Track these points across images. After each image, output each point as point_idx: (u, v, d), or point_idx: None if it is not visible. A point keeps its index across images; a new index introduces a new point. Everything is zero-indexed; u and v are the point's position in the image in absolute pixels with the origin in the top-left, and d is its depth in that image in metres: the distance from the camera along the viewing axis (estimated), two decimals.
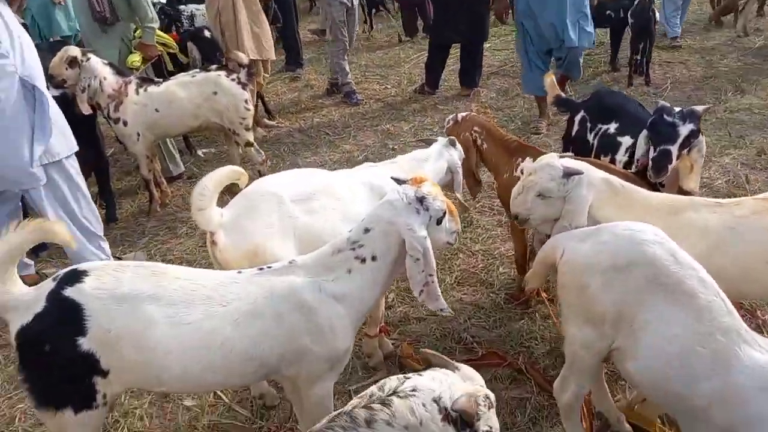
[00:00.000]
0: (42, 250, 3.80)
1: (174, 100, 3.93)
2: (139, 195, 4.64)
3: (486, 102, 6.15)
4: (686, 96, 5.82)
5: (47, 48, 4.43)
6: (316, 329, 1.77)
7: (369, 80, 7.13)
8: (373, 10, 9.26)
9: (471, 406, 1.37)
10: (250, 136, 4.19)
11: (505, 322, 3.03)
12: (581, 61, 5.32)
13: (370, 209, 1.89)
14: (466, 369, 1.55)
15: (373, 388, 1.42)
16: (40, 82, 2.85)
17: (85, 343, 1.63)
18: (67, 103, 3.66)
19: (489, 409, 1.42)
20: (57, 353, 1.63)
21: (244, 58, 4.18)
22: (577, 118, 3.18)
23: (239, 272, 1.80)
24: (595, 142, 3.01)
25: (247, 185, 2.26)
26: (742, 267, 2.06)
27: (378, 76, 7.24)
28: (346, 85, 6.26)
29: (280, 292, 1.75)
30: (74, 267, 1.70)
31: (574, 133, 3.14)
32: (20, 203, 3.25)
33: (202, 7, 5.62)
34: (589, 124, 3.09)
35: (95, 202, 3.50)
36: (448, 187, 2.82)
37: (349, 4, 5.82)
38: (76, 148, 3.06)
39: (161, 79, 4.18)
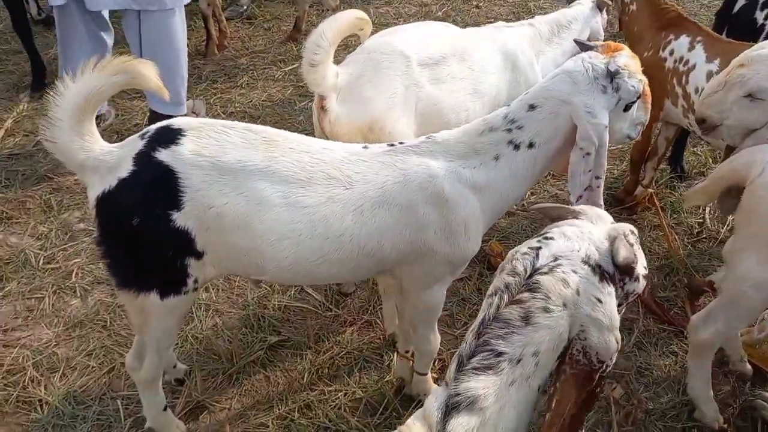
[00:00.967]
0: None
1: None
2: (195, 32, 4.18)
3: None
4: None
5: None
6: (448, 227, 1.45)
7: None
8: None
9: (630, 254, 1.17)
10: None
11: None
12: None
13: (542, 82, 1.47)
14: (589, 209, 1.30)
15: (505, 277, 1.17)
16: None
17: (179, 218, 1.32)
18: None
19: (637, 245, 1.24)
20: (145, 228, 1.33)
21: None
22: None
23: (365, 147, 1.44)
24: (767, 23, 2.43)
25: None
26: None
27: None
28: None
29: (414, 178, 1.40)
30: (167, 123, 1.35)
31: (737, 8, 2.54)
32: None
33: None
34: None
35: None
36: None
37: None
38: None
39: None
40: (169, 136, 1.32)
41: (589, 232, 1.21)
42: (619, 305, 1.19)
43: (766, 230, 1.55)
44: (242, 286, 2.35)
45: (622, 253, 1.16)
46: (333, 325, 2.19)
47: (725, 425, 1.88)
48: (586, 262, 1.16)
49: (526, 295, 1.12)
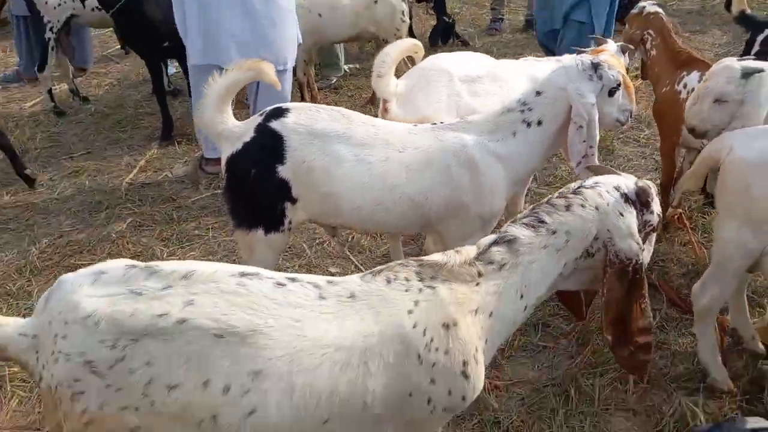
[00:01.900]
0: None
1: (337, 6, 4.16)
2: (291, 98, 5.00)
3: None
4: None
5: None
6: (478, 187, 1.92)
7: None
8: None
9: (648, 187, 1.55)
10: None
11: None
12: None
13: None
14: (626, 174, 1.65)
15: (560, 191, 1.56)
16: None
17: (282, 170, 1.89)
18: None
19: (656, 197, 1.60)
20: (259, 178, 1.90)
21: None
22: (759, 38, 3.01)
23: (415, 125, 1.98)
24: None
25: None
26: None
27: None
28: None
29: (450, 147, 1.90)
30: (279, 105, 1.96)
31: (753, 54, 2.97)
32: None
33: None
34: None
35: None
36: None
37: None
38: None
39: None
40: (279, 112, 1.91)
41: (623, 178, 1.60)
42: (639, 231, 1.53)
43: (737, 200, 1.91)
44: None
45: (641, 183, 1.55)
46: None
47: (735, 389, 2.13)
48: (617, 189, 1.52)
49: (571, 195, 1.50)
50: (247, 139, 1.91)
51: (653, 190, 1.59)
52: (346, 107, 4.99)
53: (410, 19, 4.91)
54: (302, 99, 4.68)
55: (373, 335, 1.24)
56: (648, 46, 3.03)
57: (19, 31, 5.41)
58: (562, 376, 2.27)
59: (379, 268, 1.39)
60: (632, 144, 4.10)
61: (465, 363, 1.32)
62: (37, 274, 2.96)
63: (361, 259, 3.00)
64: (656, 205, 1.59)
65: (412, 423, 1.33)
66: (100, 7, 4.09)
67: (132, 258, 1.49)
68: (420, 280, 1.33)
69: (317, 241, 3.14)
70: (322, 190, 1.89)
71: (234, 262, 2.83)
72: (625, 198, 1.52)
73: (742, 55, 3.18)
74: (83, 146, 4.32)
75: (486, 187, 1.92)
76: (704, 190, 3.30)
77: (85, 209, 3.53)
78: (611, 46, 2.78)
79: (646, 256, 1.56)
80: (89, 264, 2.89)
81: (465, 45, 6.02)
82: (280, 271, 1.40)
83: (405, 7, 4.22)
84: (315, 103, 4.75)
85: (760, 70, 2.08)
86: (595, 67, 1.85)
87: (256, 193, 1.92)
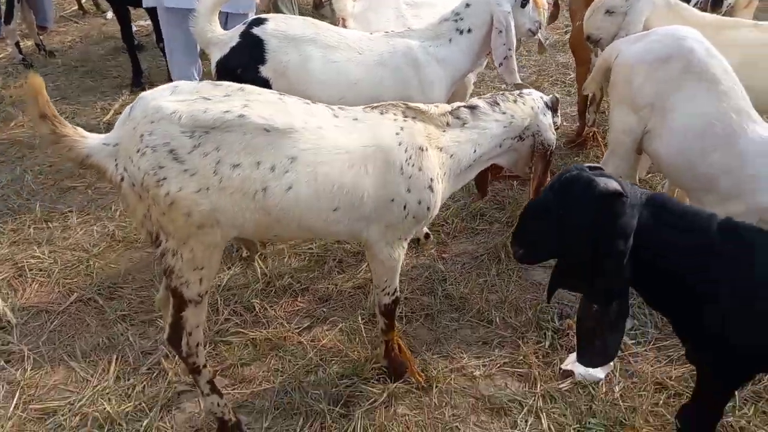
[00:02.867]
0: None
1: None
2: None
3: None
4: None
5: None
6: (421, 83, 2.40)
7: None
8: None
9: (557, 99, 2.11)
10: None
11: (558, 159, 3.56)
12: None
13: None
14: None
15: (506, 93, 2.06)
16: None
17: (263, 70, 2.31)
18: None
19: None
20: (244, 76, 2.31)
21: None
22: None
23: (371, 33, 2.43)
24: None
25: None
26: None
27: None
28: None
29: (399, 50, 2.37)
30: (258, 16, 2.37)
31: None
32: None
33: None
34: None
35: None
36: None
37: None
38: None
39: None
40: (259, 21, 2.33)
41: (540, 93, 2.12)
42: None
43: (623, 92, 2.44)
44: None
45: (555, 97, 2.08)
46: None
47: None
48: (542, 98, 2.05)
49: (516, 95, 2.02)
50: (234, 44, 2.32)
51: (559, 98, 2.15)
52: None
53: None
54: None
55: (371, 147, 1.70)
56: None
57: None
58: (495, 246, 2.80)
59: (375, 104, 1.84)
60: (560, 85, 4.67)
61: (431, 180, 1.80)
62: (35, 195, 3.30)
63: None
64: (559, 113, 2.16)
65: (390, 226, 1.80)
66: None
67: None
68: (405, 117, 1.80)
69: None
70: (297, 87, 2.32)
71: None
72: (546, 104, 2.06)
73: None
74: (57, 93, 4.58)
75: (427, 83, 2.40)
76: None
77: None
78: None
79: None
80: (83, 185, 3.25)
81: None
82: None
83: None
84: None
85: None
86: None
87: None
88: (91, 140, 1.58)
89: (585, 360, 1.55)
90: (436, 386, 2.10)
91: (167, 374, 2.16)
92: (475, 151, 1.92)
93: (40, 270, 2.69)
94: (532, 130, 2.02)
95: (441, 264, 2.72)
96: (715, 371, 1.51)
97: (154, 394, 2.10)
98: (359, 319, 2.40)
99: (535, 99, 2.03)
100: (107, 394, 2.09)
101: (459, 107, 1.91)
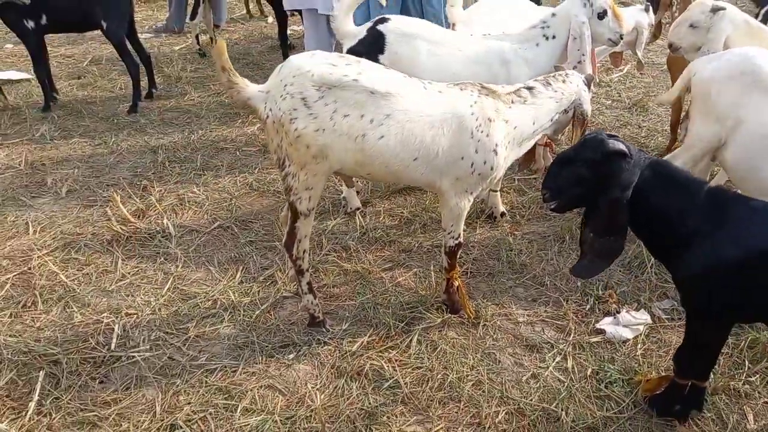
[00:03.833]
0: None
1: None
2: None
3: None
4: None
5: None
6: (510, 80, 2.86)
7: None
8: None
9: (591, 78, 2.53)
10: None
11: None
12: None
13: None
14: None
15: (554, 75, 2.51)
16: None
17: (382, 58, 2.90)
18: None
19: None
20: None
21: None
22: (764, 10, 3.77)
23: (472, 35, 2.95)
24: None
25: None
26: None
27: None
28: None
29: (493, 50, 2.86)
30: (384, 15, 2.98)
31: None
32: None
33: None
34: None
35: None
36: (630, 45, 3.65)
37: None
38: None
39: None
40: (383, 20, 2.94)
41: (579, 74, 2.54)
42: None
43: (701, 105, 2.73)
44: None
45: (589, 77, 2.50)
46: None
47: None
48: (580, 77, 2.46)
49: (563, 76, 2.45)
50: (361, 36, 2.94)
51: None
52: None
53: None
54: None
55: (449, 113, 2.20)
56: (673, 9, 3.85)
57: None
58: (561, 229, 3.18)
59: (456, 82, 2.35)
60: (665, 107, 4.85)
61: (496, 145, 2.28)
62: (197, 151, 4.15)
63: None
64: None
65: (459, 179, 2.29)
66: None
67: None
68: (479, 94, 2.29)
69: None
70: (406, 73, 2.88)
71: None
72: (584, 82, 2.48)
73: None
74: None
75: (514, 79, 2.84)
76: None
77: (227, 116, 4.72)
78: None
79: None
80: (233, 147, 4.01)
81: None
82: None
83: None
84: None
85: (724, 9, 2.92)
86: None
87: None
88: (252, 88, 2.23)
89: (574, 269, 1.95)
90: (484, 323, 2.54)
91: (277, 284, 2.79)
92: (533, 123, 2.36)
93: (195, 203, 3.48)
94: (575, 104, 2.43)
95: (510, 238, 3.14)
96: (695, 313, 1.84)
97: (266, 295, 2.74)
98: (431, 268, 2.89)
99: (577, 78, 2.44)
100: (232, 290, 2.77)
101: (520, 88, 2.36)
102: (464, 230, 2.50)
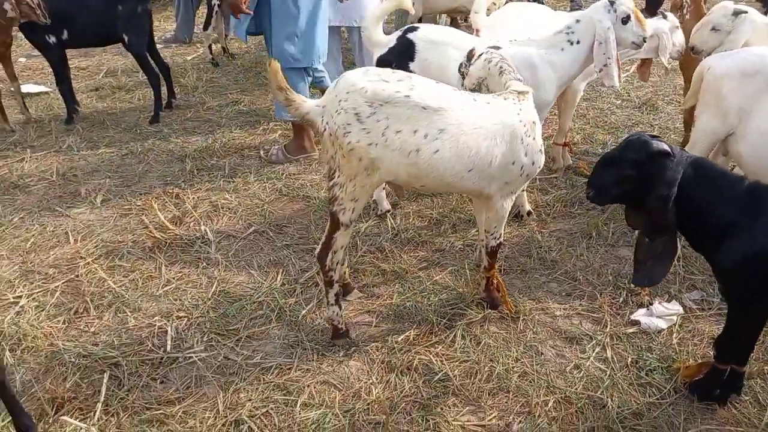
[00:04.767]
0: None
1: None
2: None
3: None
4: None
5: None
6: (536, 83, 2.97)
7: None
8: None
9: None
10: None
11: None
12: None
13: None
14: None
15: None
16: None
17: (412, 65, 3.01)
18: None
19: None
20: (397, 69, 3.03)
21: None
22: None
23: (498, 40, 3.06)
24: None
25: None
26: None
27: None
28: None
29: (520, 55, 2.96)
30: (413, 25, 3.09)
31: None
32: None
33: None
34: None
35: None
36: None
37: None
38: None
39: None
40: (412, 29, 3.05)
41: None
42: None
43: (712, 100, 2.85)
44: None
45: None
46: None
47: None
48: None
49: None
50: (392, 45, 3.05)
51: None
52: None
53: None
54: None
55: (500, 124, 2.28)
56: (684, 11, 3.98)
57: (179, 3, 6.89)
58: (588, 225, 3.29)
59: (498, 92, 2.44)
60: (674, 104, 5.00)
61: (541, 146, 2.40)
62: (224, 156, 4.25)
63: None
64: None
65: (507, 183, 2.38)
66: None
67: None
68: (519, 100, 2.38)
69: None
70: (437, 79, 2.98)
71: None
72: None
73: None
74: (237, 87, 5.65)
75: (540, 83, 2.96)
76: None
77: (247, 123, 4.82)
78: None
79: None
80: (256, 154, 4.09)
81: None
82: None
83: None
84: None
85: (746, 12, 3.04)
86: (612, 3, 2.88)
87: None
88: (309, 103, 2.30)
89: (636, 279, 2.05)
90: (523, 318, 2.65)
91: (318, 285, 2.89)
92: None
93: (229, 209, 3.57)
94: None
95: (539, 235, 3.25)
96: (735, 302, 1.95)
97: (309, 296, 2.83)
98: (466, 266, 3.00)
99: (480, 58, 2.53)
100: (275, 292, 2.86)
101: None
102: None
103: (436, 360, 2.42)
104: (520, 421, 2.16)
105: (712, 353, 2.20)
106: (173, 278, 2.96)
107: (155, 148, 4.40)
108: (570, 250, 3.12)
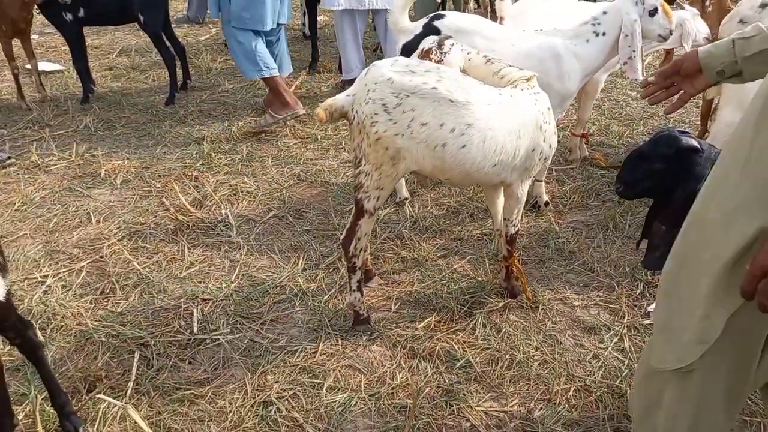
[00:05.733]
0: None
1: None
2: None
3: None
4: None
5: None
6: (561, 74, 2.99)
7: None
8: None
9: None
10: None
11: None
12: None
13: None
14: None
15: None
16: None
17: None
18: None
19: None
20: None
21: None
22: None
23: (524, 30, 3.07)
24: None
25: None
26: None
27: None
28: None
29: (546, 45, 2.98)
30: (439, 12, 3.10)
31: None
32: None
33: None
34: None
35: None
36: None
37: None
38: None
39: None
40: (438, 16, 3.05)
41: None
42: None
43: (731, 94, 2.87)
44: None
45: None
46: None
47: None
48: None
49: None
50: (417, 32, 3.06)
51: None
52: None
53: None
54: None
55: (522, 117, 2.30)
56: (706, 3, 3.98)
57: None
58: (604, 217, 3.32)
59: (510, 84, 2.46)
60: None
61: (555, 128, 2.43)
62: (238, 141, 4.27)
63: None
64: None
65: (527, 169, 2.41)
66: None
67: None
68: (530, 87, 2.40)
69: None
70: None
71: None
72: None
73: None
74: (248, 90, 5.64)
75: (565, 73, 2.98)
76: None
77: (260, 107, 4.83)
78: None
79: None
80: (274, 138, 4.14)
81: None
82: None
83: None
84: None
85: None
86: None
87: None
88: (340, 97, 2.31)
89: (645, 262, 2.09)
90: (542, 307, 2.69)
91: (340, 271, 2.93)
92: None
93: (248, 193, 3.61)
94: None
95: (557, 226, 3.29)
96: None
97: (330, 281, 2.87)
98: (485, 254, 3.04)
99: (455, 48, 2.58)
100: (297, 277, 2.90)
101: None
102: None
103: (457, 347, 2.47)
104: (541, 408, 2.21)
105: None
106: (196, 261, 3.01)
107: (172, 130, 4.43)
108: (587, 242, 3.15)
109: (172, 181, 3.68)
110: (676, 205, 1.95)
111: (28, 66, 4.93)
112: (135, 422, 2.09)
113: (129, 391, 2.24)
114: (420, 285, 2.84)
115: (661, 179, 1.98)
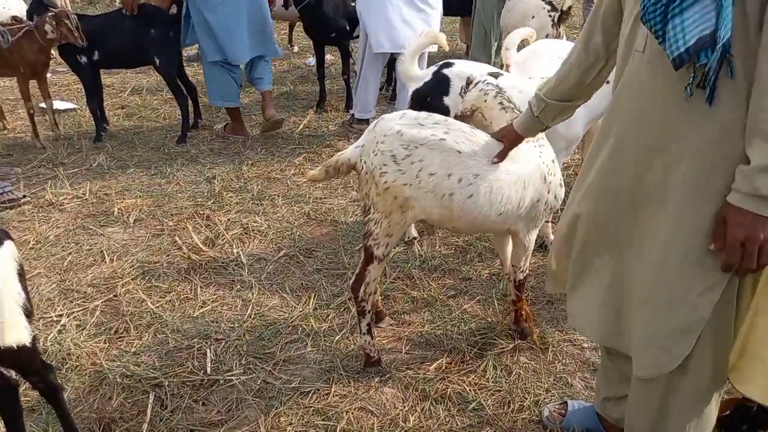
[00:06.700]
0: None
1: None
2: None
3: None
4: None
5: None
6: (566, 121, 3.07)
7: None
8: None
9: None
10: None
11: None
12: None
13: None
14: None
15: None
16: None
17: (446, 100, 3.11)
18: None
19: None
20: (432, 103, 3.14)
21: None
22: None
23: (530, 78, 3.17)
24: None
25: None
26: None
27: None
28: None
29: None
30: (448, 61, 3.21)
31: None
32: None
33: None
34: None
35: None
36: None
37: None
38: None
39: None
40: (448, 64, 3.16)
41: None
42: None
43: None
44: None
45: None
46: None
47: None
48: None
49: None
50: (427, 79, 3.16)
51: None
52: None
53: None
54: None
55: (527, 168, 2.35)
56: None
57: None
58: None
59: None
60: None
61: (561, 180, 2.49)
62: (249, 180, 4.35)
63: None
64: None
65: (533, 219, 2.47)
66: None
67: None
68: (538, 145, 2.48)
69: None
70: None
71: None
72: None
73: None
74: (260, 109, 5.76)
75: (572, 121, 3.05)
76: None
77: (272, 146, 4.93)
78: None
79: None
80: (284, 177, 4.22)
81: None
82: None
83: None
84: None
85: None
86: None
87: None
88: (348, 151, 2.40)
89: None
90: (552, 349, 2.72)
91: (351, 310, 2.97)
92: None
93: (259, 231, 3.66)
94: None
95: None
96: None
97: (341, 321, 2.91)
98: (494, 295, 3.08)
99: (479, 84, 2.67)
100: (309, 317, 2.94)
101: None
102: None
103: (469, 389, 2.49)
104: None
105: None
106: (209, 300, 3.05)
107: (183, 168, 4.51)
108: None
109: (185, 219, 3.75)
110: None
111: (42, 105, 5.04)
112: None
113: None
114: (430, 326, 2.88)
115: None
